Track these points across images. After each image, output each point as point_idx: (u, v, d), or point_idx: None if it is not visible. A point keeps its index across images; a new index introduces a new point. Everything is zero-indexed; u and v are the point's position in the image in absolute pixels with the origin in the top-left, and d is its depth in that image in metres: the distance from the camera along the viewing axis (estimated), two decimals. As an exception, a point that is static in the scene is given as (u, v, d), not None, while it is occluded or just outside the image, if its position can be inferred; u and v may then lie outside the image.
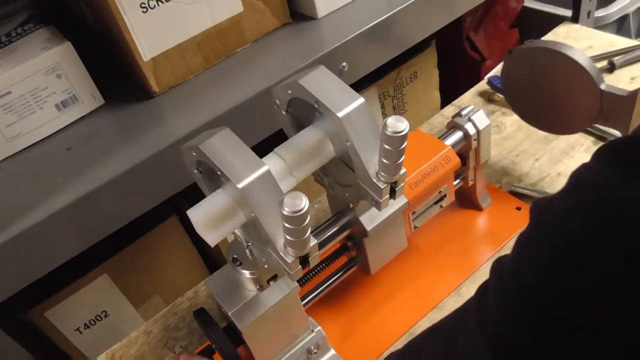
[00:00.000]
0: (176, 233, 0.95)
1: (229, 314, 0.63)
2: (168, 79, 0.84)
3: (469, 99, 1.10)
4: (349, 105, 0.56)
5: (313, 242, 0.53)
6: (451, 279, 0.81)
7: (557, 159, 0.94)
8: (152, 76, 0.82)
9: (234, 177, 0.52)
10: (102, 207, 0.79)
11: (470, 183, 0.85)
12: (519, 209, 0.88)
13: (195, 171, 0.62)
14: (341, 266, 0.77)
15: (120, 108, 0.85)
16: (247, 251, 0.63)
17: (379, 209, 0.60)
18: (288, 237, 0.50)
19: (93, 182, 0.76)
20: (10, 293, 0.75)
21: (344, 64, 0.86)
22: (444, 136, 0.79)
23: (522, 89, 0.84)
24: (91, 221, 0.79)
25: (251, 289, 0.64)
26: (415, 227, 0.78)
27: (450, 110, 1.08)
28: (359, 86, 1.08)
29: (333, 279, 0.76)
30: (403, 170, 0.57)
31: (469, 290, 0.80)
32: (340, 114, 0.56)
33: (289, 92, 0.61)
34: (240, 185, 0.51)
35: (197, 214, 0.56)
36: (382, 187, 0.57)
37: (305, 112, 0.62)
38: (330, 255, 0.75)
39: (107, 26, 0.81)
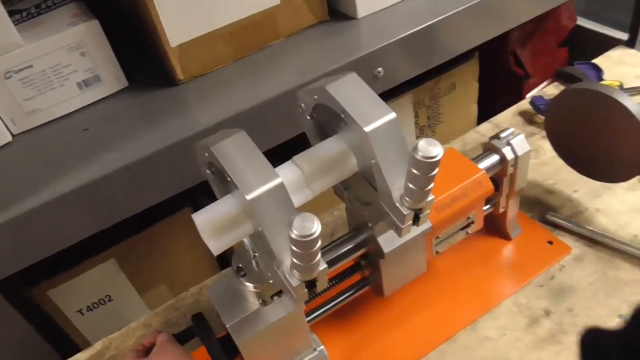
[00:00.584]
0: (189, 225, 0.90)
1: (227, 326, 0.58)
2: (194, 68, 0.79)
3: (508, 117, 1.02)
4: (378, 119, 0.50)
5: (322, 266, 0.48)
6: (468, 311, 0.74)
7: (597, 193, 0.86)
8: (178, 63, 0.77)
9: (244, 186, 0.46)
10: (114, 193, 0.74)
11: (501, 210, 0.78)
12: (550, 242, 0.80)
13: (207, 171, 0.57)
14: (352, 284, 0.71)
15: (142, 93, 0.81)
16: (253, 262, 0.58)
17: (400, 236, 0.54)
18: (295, 261, 0.45)
19: (106, 166, 0.71)
20: (11, 271, 0.72)
21: (379, 69, 0.80)
22: (478, 158, 0.72)
23: (565, 128, 0.77)
24: (101, 207, 0.74)
25: (253, 302, 0.59)
26: (437, 252, 0.72)
27: (486, 127, 1.01)
28: (393, 93, 1.02)
29: (342, 297, 0.70)
30: (430, 197, 0.51)
31: (485, 326, 0.73)
32: (367, 128, 0.50)
33: (315, 97, 0.56)
34: (249, 196, 0.46)
35: (202, 220, 0.51)
36: (405, 213, 0.51)
37: (330, 120, 0.56)
38: (342, 272, 0.69)
39: (137, 7, 0.76)
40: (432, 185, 0.49)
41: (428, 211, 0.53)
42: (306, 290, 0.49)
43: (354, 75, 0.53)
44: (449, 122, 1.12)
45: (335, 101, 0.51)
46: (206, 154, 0.52)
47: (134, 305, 0.94)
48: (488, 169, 0.72)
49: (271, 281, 0.55)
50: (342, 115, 0.52)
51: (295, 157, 0.55)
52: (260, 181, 0.46)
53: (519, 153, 0.72)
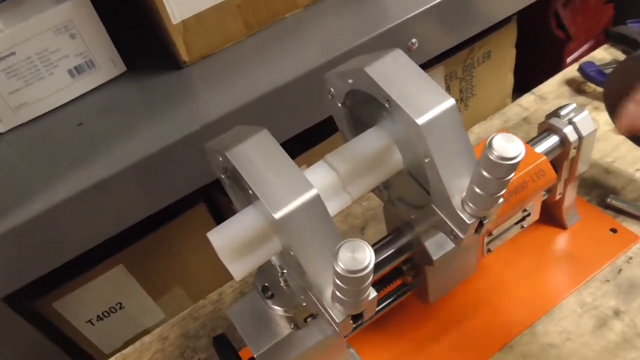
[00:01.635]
0: (204, 222, 0.82)
1: (256, 355, 0.49)
2: (201, 47, 0.68)
3: (553, 87, 0.90)
4: (434, 108, 0.40)
5: (372, 295, 0.38)
6: (524, 313, 0.65)
7: (663, 171, 0.75)
8: (182, 43, 0.66)
9: (271, 202, 0.37)
10: (118, 197, 0.65)
11: (558, 197, 0.68)
12: (613, 231, 0.70)
13: (222, 176, 0.47)
14: (392, 291, 0.62)
15: (144, 78, 0.70)
16: (281, 280, 0.48)
17: (458, 246, 0.44)
18: (340, 295, 0.35)
19: (107, 166, 0.62)
20: (11, 289, 0.63)
21: (413, 40, 0.68)
22: (535, 141, 0.62)
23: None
24: (105, 213, 0.65)
25: (284, 326, 0.50)
26: (488, 250, 0.62)
27: (529, 100, 0.90)
28: (422, 65, 0.90)
29: (382, 305, 0.61)
30: (500, 201, 0.40)
31: (545, 330, 0.64)
32: (420, 120, 0.39)
33: (350, 81, 0.45)
34: (277, 215, 0.36)
35: (221, 240, 0.41)
36: (468, 222, 0.41)
37: (369, 107, 0.46)
38: (381, 279, 0.59)
39: (133, -21, 0.66)
40: (504, 190, 0.39)
41: (494, 217, 0.43)
42: (352, 322, 0.40)
43: (399, 53, 0.42)
44: (483, 94, 1.01)
45: (378, 86, 0.41)
46: (220, 158, 0.42)
47: (148, 311, 0.85)
48: (547, 153, 0.61)
49: (304, 304, 0.46)
50: (386, 104, 0.41)
51: (328, 156, 0.45)
52: (290, 195, 0.36)
53: (584, 133, 0.61)
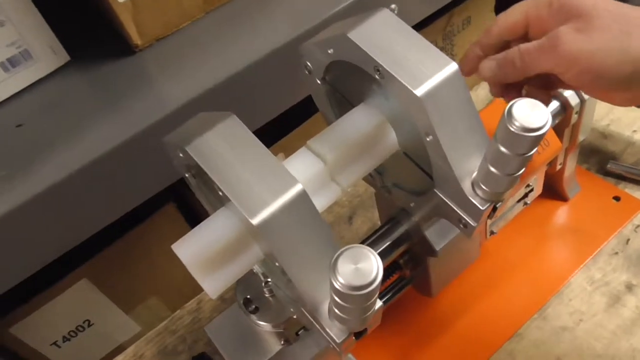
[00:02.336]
0: (174, 224, 0.74)
1: (242, 378, 0.43)
2: (154, 28, 0.60)
3: (537, 50, 0.85)
4: (434, 75, 0.33)
5: (378, 305, 0.32)
6: (533, 297, 0.59)
7: (663, 131, 0.70)
8: (132, 24, 0.58)
9: (246, 205, 0.30)
10: (73, 205, 0.57)
11: (558, 168, 0.62)
12: (617, 199, 0.65)
13: (187, 175, 0.40)
14: (389, 286, 0.55)
15: (91, 68, 0.62)
16: (266, 290, 0.42)
17: (469, 236, 0.38)
18: (340, 314, 0.29)
19: (53, 173, 0.53)
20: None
21: (393, 5, 0.61)
22: (533, 108, 0.56)
23: None
24: (57, 225, 0.57)
25: (273, 342, 0.43)
26: (492, 232, 0.56)
27: (514, 65, 0.84)
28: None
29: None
30: (518, 180, 0.34)
31: (556, 312, 0.58)
32: (420, 91, 0.33)
33: (330, 51, 0.38)
34: (256, 221, 0.29)
35: (189, 252, 0.34)
36: (482, 208, 0.35)
37: (354, 81, 0.39)
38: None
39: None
40: (524, 169, 0.32)
41: (507, 199, 0.37)
42: (354, 339, 0.33)
43: (387, 13, 0.35)
44: (463, 62, 0.95)
45: (365, 54, 0.34)
46: (181, 155, 0.34)
47: (121, 325, 0.78)
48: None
49: (295, 316, 0.39)
50: (377, 75, 0.35)
51: (311, 142, 0.38)
52: (270, 194, 0.29)
53: (586, 96, 0.55)
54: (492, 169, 0.32)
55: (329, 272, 0.25)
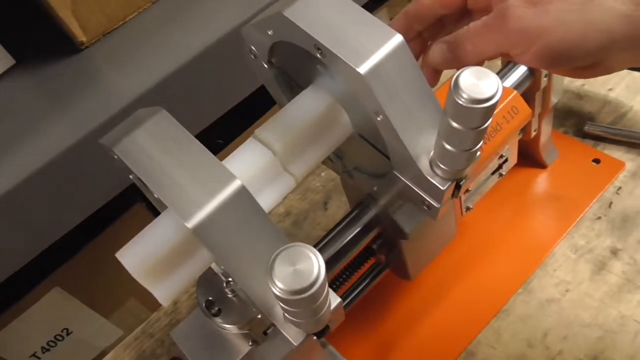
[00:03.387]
0: (144, 223, 0.71)
1: (212, 384, 0.41)
2: (98, 23, 0.57)
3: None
4: (377, 49, 0.30)
5: (335, 303, 0.29)
6: (516, 271, 0.57)
7: (639, 85, 0.68)
8: (73, 20, 0.55)
9: (179, 207, 0.27)
10: (29, 212, 0.55)
11: (533, 134, 0.60)
12: (596, 161, 0.63)
13: (131, 177, 0.37)
14: (363, 274, 0.53)
15: (38, 69, 0.59)
16: (228, 290, 0.39)
17: (435, 218, 0.36)
18: (292, 318, 0.27)
19: (6, 180, 0.51)
20: None
21: (347, -22, 0.59)
22: (500, 75, 0.53)
23: None
24: (16, 234, 0.55)
25: (241, 344, 0.41)
26: (467, 208, 0.54)
27: (484, 31, 0.81)
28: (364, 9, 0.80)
29: (355, 292, 0.52)
30: (478, 155, 0.32)
31: (541, 285, 0.57)
32: (363, 68, 0.30)
33: (270, 32, 0.35)
34: (191, 224, 0.27)
35: (133, 259, 0.32)
36: (443, 188, 0.32)
37: (300, 63, 0.37)
38: (350, 263, 0.51)
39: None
40: (482, 142, 0.30)
41: (472, 175, 0.35)
42: (315, 339, 0.31)
43: (324, -15, 0.33)
44: (433, 32, 0.92)
45: (303, 32, 0.31)
46: (115, 157, 0.32)
47: (101, 331, 0.76)
48: (517, 87, 0.53)
49: (259, 316, 0.37)
50: (318, 54, 0.32)
51: (258, 132, 0.36)
52: (204, 194, 0.27)
53: (555, 57, 0.53)
54: (447, 146, 0.30)
55: (266, 276, 0.23)
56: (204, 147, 0.28)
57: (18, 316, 0.67)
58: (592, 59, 0.31)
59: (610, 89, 0.69)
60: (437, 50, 0.35)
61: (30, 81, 0.58)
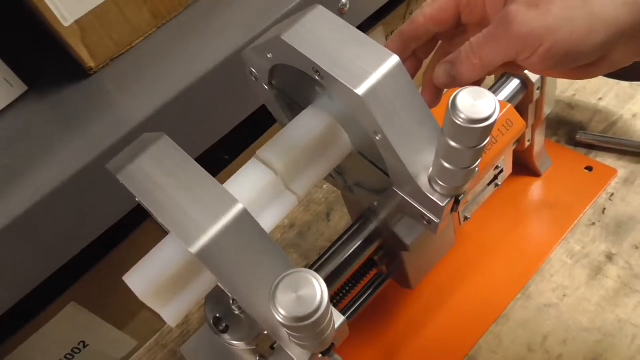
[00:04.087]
0: (156, 237, 0.70)
1: (220, 398, 0.40)
2: (106, 48, 0.56)
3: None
4: (374, 71, 0.29)
5: (339, 322, 0.28)
6: (514, 277, 0.56)
7: (629, 95, 0.66)
8: (82, 47, 0.54)
9: (183, 233, 0.26)
10: (43, 233, 0.54)
11: (527, 144, 0.58)
12: (589, 169, 0.62)
13: (137, 199, 0.36)
14: (366, 284, 0.52)
15: (49, 95, 0.58)
16: (235, 307, 0.38)
17: (435, 232, 0.34)
18: (297, 341, 0.25)
19: (19, 203, 0.50)
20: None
21: (344, 0, 0.57)
22: (494, 89, 0.52)
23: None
24: (31, 253, 0.54)
25: (248, 359, 0.40)
26: (465, 218, 0.53)
27: (476, 45, 0.80)
28: (361, 28, 0.79)
29: (358, 302, 0.51)
30: (476, 172, 0.31)
31: (539, 290, 0.55)
32: (361, 90, 0.29)
33: (269, 55, 0.34)
34: (194, 249, 0.26)
35: (140, 282, 0.31)
36: (442, 204, 0.31)
37: (300, 84, 0.35)
38: (352, 277, 0.49)
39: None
40: (480, 160, 0.29)
41: (470, 189, 0.34)
42: (320, 356, 0.30)
43: (321, 10, 0.31)
44: (427, 48, 0.90)
45: (301, 55, 0.30)
46: (121, 182, 0.31)
47: (116, 342, 0.74)
48: (510, 100, 0.51)
49: (265, 332, 0.36)
50: (316, 76, 0.31)
51: (260, 152, 0.34)
52: (207, 218, 0.25)
53: (546, 70, 0.52)
54: (446, 164, 0.28)
55: (269, 303, 0.22)
56: (206, 172, 0.27)
57: (36, 331, 0.65)
58: (599, 53, 0.30)
59: (600, 99, 0.67)
60: (441, 72, 0.33)
61: (43, 106, 0.57)
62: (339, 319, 0.27)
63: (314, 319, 0.21)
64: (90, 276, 0.69)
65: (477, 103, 0.24)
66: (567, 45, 0.29)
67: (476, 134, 0.25)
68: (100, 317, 0.71)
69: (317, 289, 0.22)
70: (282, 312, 0.21)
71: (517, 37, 0.29)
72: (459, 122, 0.25)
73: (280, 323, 0.22)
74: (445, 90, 0.36)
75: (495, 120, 0.25)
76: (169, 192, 0.26)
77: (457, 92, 0.25)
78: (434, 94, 0.35)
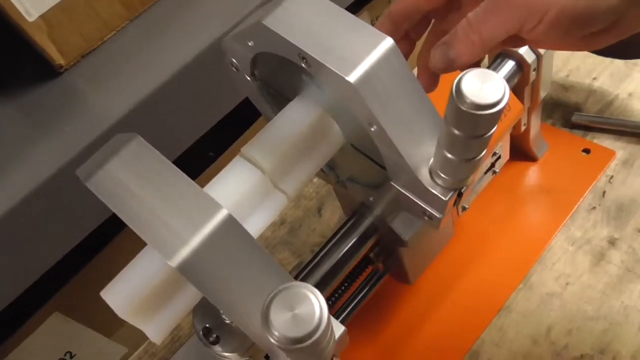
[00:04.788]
0: (139, 243, 0.67)
1: (214, 414, 0.37)
2: (76, 44, 0.52)
3: (486, 10, 0.78)
4: (368, 56, 0.27)
5: (339, 332, 0.25)
6: (515, 266, 0.54)
7: (624, 73, 0.64)
8: (49, 43, 0.50)
9: (162, 246, 0.23)
10: (16, 243, 0.50)
11: (523, 128, 0.56)
12: (586, 151, 0.59)
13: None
14: (362, 282, 0.49)
15: (19, 96, 0.54)
16: (225, 317, 0.35)
17: (437, 228, 0.32)
18: (292, 358, 0.23)
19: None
20: None
21: (327, -17, 0.55)
22: (489, 71, 0.49)
23: None
24: (6, 262, 0.51)
25: (242, 370, 0.37)
26: (464, 208, 0.50)
27: (465, 28, 0.77)
28: (345, 13, 0.76)
29: (353, 303, 0.48)
30: (482, 163, 0.28)
31: (541, 279, 0.53)
32: (353, 77, 0.26)
33: (250, 43, 0.31)
34: (175, 262, 0.23)
35: (119, 298, 0.28)
36: (445, 198, 0.29)
37: (285, 74, 0.33)
38: (347, 276, 0.47)
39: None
40: (485, 150, 0.26)
41: (473, 182, 0.31)
42: (321, 371, 0.27)
43: (305, -10, 0.29)
44: (414, 32, 0.88)
45: (285, 41, 0.27)
46: (89, 188, 0.28)
47: (105, 350, 0.71)
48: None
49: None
50: (303, 63, 0.28)
51: (245, 149, 0.31)
52: (189, 228, 0.23)
53: (542, 50, 0.49)
54: (449, 155, 0.26)
55: (262, 322, 0.19)
56: (184, 175, 0.24)
57: (18, 345, 0.62)
58: (613, 16, 0.27)
59: (594, 79, 0.65)
60: (438, 54, 0.30)
61: (11, 108, 0.54)
62: (339, 329, 0.25)
63: (313, 339, 0.19)
64: (74, 284, 0.65)
65: (484, 86, 0.22)
66: (579, 7, 0.26)
67: (484, 121, 0.23)
68: (87, 326, 0.68)
69: (315, 304, 0.19)
70: (277, 334, 0.19)
71: (521, 5, 0.27)
72: (464, 108, 0.22)
73: (279, 347, 0.19)
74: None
75: (505, 105, 0.22)
76: (144, 199, 0.23)
77: (461, 75, 0.22)
78: (430, 79, 0.32)
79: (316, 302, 0.19)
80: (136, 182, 0.24)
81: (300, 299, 0.19)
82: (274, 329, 0.19)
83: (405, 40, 0.35)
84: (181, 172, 0.24)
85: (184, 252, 0.22)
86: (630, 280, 0.51)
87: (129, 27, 0.55)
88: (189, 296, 0.28)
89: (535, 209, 0.57)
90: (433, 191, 0.29)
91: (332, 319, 0.25)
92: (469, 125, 0.23)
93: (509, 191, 0.59)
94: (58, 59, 0.52)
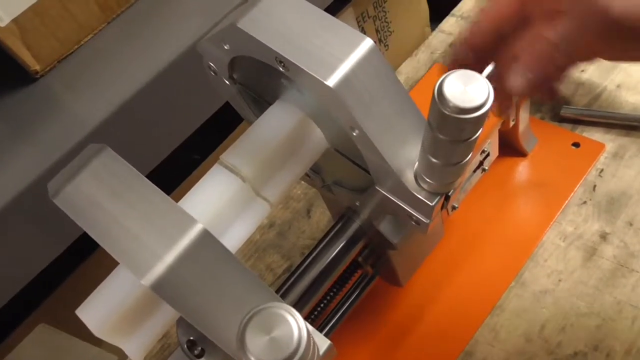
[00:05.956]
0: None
1: None
2: (51, 49, 0.51)
3: (473, 3, 0.77)
4: (348, 58, 0.25)
5: (324, 347, 0.24)
6: (506, 264, 0.53)
7: (612, 64, 0.63)
8: (22, 49, 0.49)
9: (134, 264, 0.22)
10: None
11: (512, 123, 0.55)
12: (576, 145, 0.59)
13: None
14: (352, 287, 0.48)
15: (-7, 104, 0.53)
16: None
17: (425, 232, 0.31)
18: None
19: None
20: None
21: (309, -19, 0.53)
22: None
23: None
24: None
25: (229, 383, 0.36)
26: (453, 207, 0.49)
27: (451, 23, 0.76)
28: (330, 10, 0.75)
29: (343, 308, 0.47)
30: (468, 166, 0.27)
31: (533, 276, 0.52)
32: (332, 80, 0.25)
33: (226, 46, 0.30)
34: (147, 281, 0.22)
35: (94, 317, 0.27)
36: (431, 203, 0.28)
37: (263, 77, 0.31)
38: (336, 281, 0.45)
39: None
40: (471, 153, 0.25)
41: (460, 185, 0.30)
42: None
43: (280, -10, 0.28)
44: (400, 29, 0.87)
45: (260, 44, 0.26)
46: (57, 204, 0.26)
47: (95, 359, 0.70)
48: (490, 79, 0.48)
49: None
50: (280, 67, 0.27)
51: (224, 157, 0.30)
52: (162, 244, 0.22)
53: (529, 44, 0.48)
54: (434, 160, 0.25)
55: (237, 346, 0.18)
56: (156, 188, 0.23)
57: (2, 358, 0.61)
58: None
59: (582, 71, 0.64)
60: (517, 78, 0.28)
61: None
62: (323, 344, 0.24)
63: (293, 362, 0.18)
64: (59, 293, 0.64)
65: (467, 89, 0.21)
66: None
67: (468, 125, 0.22)
68: (75, 335, 0.67)
69: (293, 325, 0.18)
70: (254, 359, 0.18)
71: (618, 18, 0.24)
72: (447, 112, 0.21)
73: (251, 369, 0.18)
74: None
75: (489, 109, 0.21)
76: (114, 214, 0.22)
77: (443, 77, 0.21)
78: (506, 101, 0.31)
79: (294, 323, 0.18)
80: (105, 196, 0.23)
81: (277, 320, 0.18)
82: (250, 355, 0.18)
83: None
84: (153, 184, 0.23)
85: (157, 270, 0.21)
86: (622, 274, 0.51)
87: (106, 29, 0.54)
88: (168, 312, 0.27)
89: (526, 205, 0.57)
90: (419, 196, 0.28)
91: (316, 333, 0.24)
92: (453, 130, 0.22)
93: (499, 187, 0.58)
94: (33, 64, 0.50)
